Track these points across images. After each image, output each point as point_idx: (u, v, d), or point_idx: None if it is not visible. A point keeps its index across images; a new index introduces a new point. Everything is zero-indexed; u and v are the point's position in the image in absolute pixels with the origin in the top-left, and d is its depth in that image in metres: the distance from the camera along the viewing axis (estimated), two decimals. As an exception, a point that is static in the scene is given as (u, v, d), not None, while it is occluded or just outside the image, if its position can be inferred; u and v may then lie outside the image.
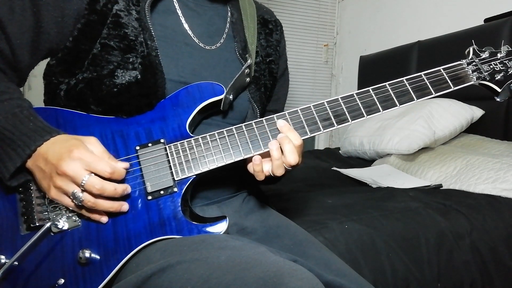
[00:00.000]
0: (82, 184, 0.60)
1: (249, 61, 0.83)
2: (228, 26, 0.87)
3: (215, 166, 0.71)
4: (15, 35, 0.68)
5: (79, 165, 0.60)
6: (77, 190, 0.61)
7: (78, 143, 0.62)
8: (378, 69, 2.66)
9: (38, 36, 0.70)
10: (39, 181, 0.64)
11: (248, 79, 0.84)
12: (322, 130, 0.74)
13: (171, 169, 0.70)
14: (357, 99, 0.76)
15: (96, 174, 0.62)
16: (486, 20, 1.95)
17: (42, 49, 0.71)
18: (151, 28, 0.74)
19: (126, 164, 0.67)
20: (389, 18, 2.85)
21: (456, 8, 2.29)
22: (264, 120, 0.73)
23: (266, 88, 0.91)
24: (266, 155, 0.71)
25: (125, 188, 0.66)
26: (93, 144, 0.65)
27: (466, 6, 2.23)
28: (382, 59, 2.63)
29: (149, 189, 0.68)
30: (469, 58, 0.82)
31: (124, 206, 0.66)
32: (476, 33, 1.91)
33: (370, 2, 3.06)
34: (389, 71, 2.51)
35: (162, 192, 0.69)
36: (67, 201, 0.63)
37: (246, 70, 0.82)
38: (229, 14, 0.88)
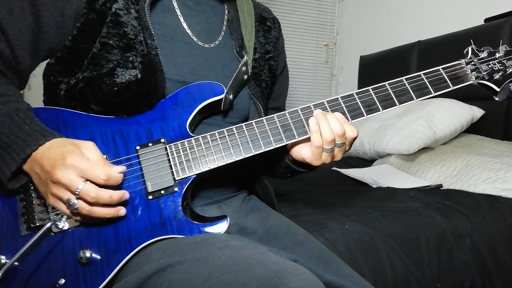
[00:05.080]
0: (77, 192, 0.59)
1: (245, 58, 0.83)
2: (225, 23, 0.87)
3: (215, 166, 0.71)
4: (15, 36, 0.68)
5: (73, 173, 0.59)
6: (72, 198, 0.59)
7: (73, 149, 0.61)
8: (378, 69, 2.66)
9: (38, 37, 0.70)
10: (37, 186, 0.64)
11: (245, 76, 0.84)
12: (322, 129, 0.73)
13: (171, 168, 0.70)
14: (356, 98, 0.76)
15: (91, 181, 0.60)
16: (486, 20, 1.95)
17: (42, 49, 0.71)
18: (151, 27, 0.74)
19: (122, 168, 0.64)
20: (389, 18, 2.85)
21: (456, 8, 2.29)
22: (264, 120, 0.74)
23: (267, 85, 0.91)
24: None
25: (122, 195, 0.64)
26: (89, 149, 0.63)
27: (466, 6, 2.23)
28: (382, 59, 2.63)
29: (150, 189, 0.68)
30: (468, 57, 0.82)
31: (121, 211, 0.65)
32: (476, 33, 1.91)
33: (370, 2, 3.06)
34: (389, 71, 2.51)
35: (162, 191, 0.69)
36: (64, 207, 0.62)
37: (243, 68, 0.82)
38: (226, 12, 0.88)
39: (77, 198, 0.60)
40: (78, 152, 0.61)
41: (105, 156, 0.69)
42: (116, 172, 0.62)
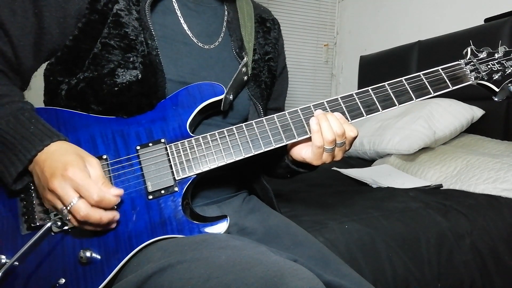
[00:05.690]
0: (68, 208, 0.58)
1: (245, 59, 0.83)
2: (224, 25, 0.87)
3: (215, 166, 0.71)
4: (18, 37, 0.68)
5: (69, 186, 0.59)
6: (64, 209, 0.59)
7: (76, 162, 0.60)
8: (378, 69, 2.66)
9: (41, 37, 0.70)
10: (37, 186, 0.64)
11: (245, 77, 0.84)
12: (322, 129, 0.74)
13: (171, 168, 0.70)
14: (356, 98, 0.76)
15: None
16: (486, 20, 1.95)
17: (45, 50, 0.71)
18: (151, 28, 0.74)
19: (119, 191, 0.63)
20: (389, 18, 2.85)
21: (456, 8, 2.29)
22: (264, 120, 0.74)
23: (266, 86, 0.91)
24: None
25: (112, 217, 0.62)
26: (93, 166, 0.62)
27: (466, 6, 2.23)
28: (382, 59, 2.63)
29: (150, 189, 0.68)
30: (467, 58, 0.82)
31: (112, 226, 0.64)
32: (476, 33, 1.91)
33: (370, 2, 3.06)
34: (389, 71, 2.51)
35: (163, 191, 0.69)
36: (58, 213, 0.62)
37: (243, 69, 0.82)
38: (226, 13, 0.88)
39: (68, 212, 0.59)
40: (80, 165, 0.61)
41: (105, 161, 0.69)
42: (111, 194, 0.61)
